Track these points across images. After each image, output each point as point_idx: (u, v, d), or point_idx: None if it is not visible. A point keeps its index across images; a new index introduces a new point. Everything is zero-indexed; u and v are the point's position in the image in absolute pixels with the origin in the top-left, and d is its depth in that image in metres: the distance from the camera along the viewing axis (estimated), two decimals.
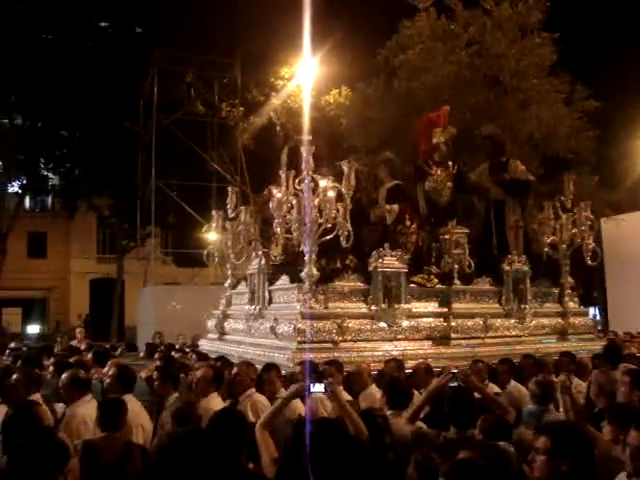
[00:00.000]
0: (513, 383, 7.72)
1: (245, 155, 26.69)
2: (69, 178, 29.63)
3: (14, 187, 29.79)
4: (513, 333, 9.98)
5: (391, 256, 9.14)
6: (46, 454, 3.83)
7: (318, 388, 4.92)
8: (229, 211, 11.09)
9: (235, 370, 7.29)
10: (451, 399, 4.99)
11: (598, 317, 11.25)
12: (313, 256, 8.68)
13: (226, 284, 11.47)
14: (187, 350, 11.12)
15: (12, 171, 28.36)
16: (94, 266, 33.36)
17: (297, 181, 8.78)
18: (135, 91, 26.98)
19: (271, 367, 7.38)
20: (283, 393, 7.31)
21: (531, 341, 9.98)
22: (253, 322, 9.78)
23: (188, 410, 5.21)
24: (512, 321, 10.02)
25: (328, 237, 8.65)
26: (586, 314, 11.07)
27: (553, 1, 20.28)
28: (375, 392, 6.87)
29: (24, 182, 29.40)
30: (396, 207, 10.00)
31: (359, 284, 9.11)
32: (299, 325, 8.40)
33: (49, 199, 33.96)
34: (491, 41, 19.61)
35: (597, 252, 10.66)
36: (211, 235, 11.18)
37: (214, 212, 11.25)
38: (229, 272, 11.43)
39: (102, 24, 29.33)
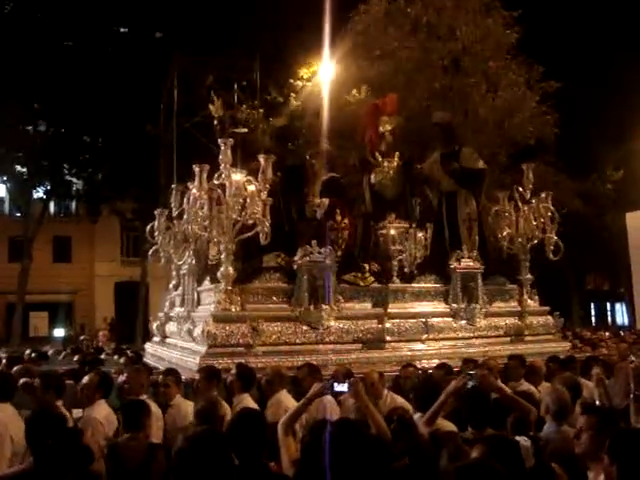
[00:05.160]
0: None
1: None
2: (92, 183, 29.81)
3: (39, 193, 30.14)
4: (460, 335, 9.22)
5: (318, 253, 8.52)
6: (71, 456, 3.94)
7: (342, 388, 4.74)
8: (173, 210, 10.71)
9: (124, 377, 6.99)
10: (467, 400, 4.97)
11: (558, 316, 10.03)
12: (230, 255, 8.21)
13: (170, 285, 11.12)
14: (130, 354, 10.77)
15: (37, 177, 28.68)
16: (118, 269, 33.32)
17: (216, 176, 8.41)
18: (155, 95, 26.97)
19: (169, 372, 7.14)
20: (179, 399, 6.91)
21: (481, 343, 9.22)
22: (183, 324, 9.35)
23: (210, 410, 5.11)
24: (461, 322, 9.27)
25: (247, 235, 8.19)
26: (546, 313, 10.08)
27: None
28: (284, 398, 6.29)
29: (48, 187, 29.71)
30: (326, 201, 9.33)
31: (281, 284, 8.53)
32: (208, 328, 7.92)
33: (73, 204, 34.13)
34: (449, 21, 18.53)
35: (560, 246, 9.76)
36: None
37: (157, 211, 10.89)
38: (173, 273, 11.06)
39: (122, 30, 29.49)
